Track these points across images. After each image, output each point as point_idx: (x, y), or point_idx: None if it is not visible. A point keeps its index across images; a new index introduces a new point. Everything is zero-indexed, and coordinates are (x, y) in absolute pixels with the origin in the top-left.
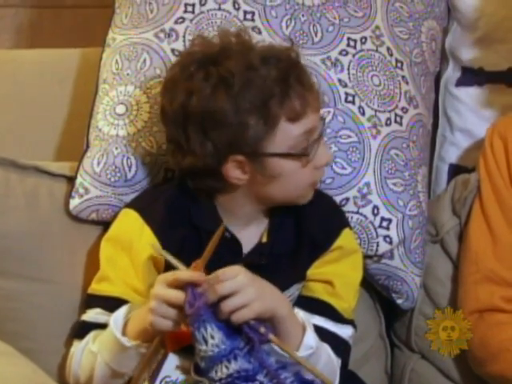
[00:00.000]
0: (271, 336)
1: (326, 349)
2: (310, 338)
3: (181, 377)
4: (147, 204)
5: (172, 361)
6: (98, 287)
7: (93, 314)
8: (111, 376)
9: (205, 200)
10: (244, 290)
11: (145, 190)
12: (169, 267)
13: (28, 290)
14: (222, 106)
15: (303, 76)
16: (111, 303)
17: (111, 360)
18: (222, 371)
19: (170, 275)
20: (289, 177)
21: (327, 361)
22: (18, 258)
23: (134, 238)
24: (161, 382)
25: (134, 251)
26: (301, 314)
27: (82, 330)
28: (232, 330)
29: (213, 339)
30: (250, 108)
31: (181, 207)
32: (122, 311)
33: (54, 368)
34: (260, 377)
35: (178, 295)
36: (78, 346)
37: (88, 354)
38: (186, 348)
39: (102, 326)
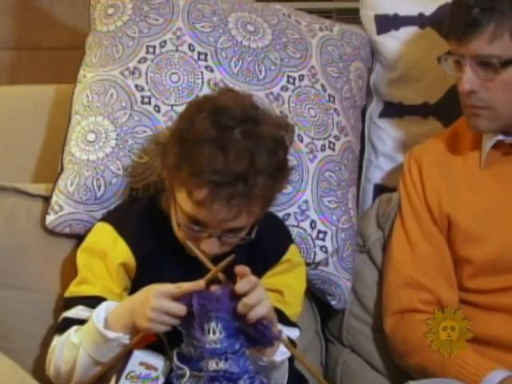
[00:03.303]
0: (283, 336)
1: None
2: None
3: (144, 371)
4: (120, 219)
5: (136, 358)
6: (78, 289)
7: (75, 311)
8: (92, 365)
9: (170, 217)
10: (257, 288)
11: (117, 206)
12: (143, 273)
13: (7, 296)
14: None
15: (246, 187)
16: (92, 301)
17: (93, 351)
18: (211, 365)
19: (171, 288)
20: (173, 218)
21: (286, 362)
22: None
23: (108, 247)
24: (126, 376)
25: (109, 258)
26: None
27: (63, 325)
28: (234, 334)
29: (214, 335)
30: (180, 164)
31: (150, 225)
32: (103, 306)
33: (31, 365)
34: (241, 381)
35: (180, 308)
36: (58, 340)
37: (69, 346)
38: (149, 346)
39: (83, 322)
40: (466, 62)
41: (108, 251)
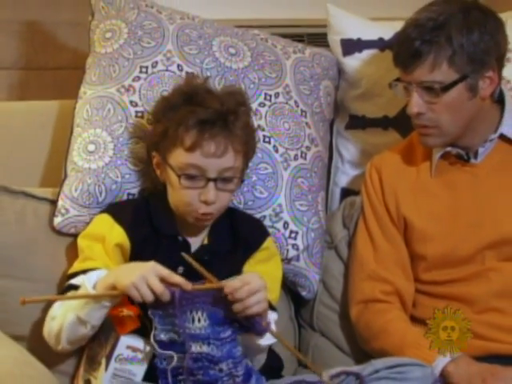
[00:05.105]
0: (272, 328)
1: None
2: (273, 328)
3: (131, 354)
4: (117, 210)
5: (123, 342)
6: (82, 265)
7: (78, 279)
8: (77, 324)
9: (164, 209)
10: (261, 290)
11: (112, 203)
12: (137, 256)
13: (16, 287)
14: (162, 114)
15: (225, 124)
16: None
17: (79, 309)
18: (195, 348)
19: (165, 272)
20: (173, 190)
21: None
22: (8, 262)
23: (105, 232)
24: (115, 358)
25: (107, 241)
26: None
27: (64, 290)
28: (221, 323)
29: (199, 323)
30: (167, 126)
31: (144, 214)
32: (95, 272)
33: (37, 350)
34: (223, 365)
35: (163, 290)
36: (57, 303)
37: (62, 307)
38: (134, 332)
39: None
40: (413, 87)
41: (106, 234)
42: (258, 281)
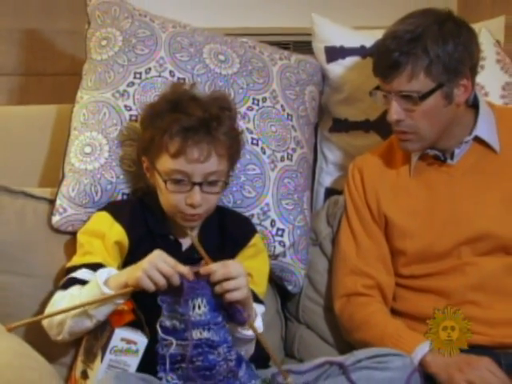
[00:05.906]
0: (251, 321)
1: None
2: (259, 321)
3: (125, 346)
4: (116, 209)
5: (118, 335)
6: (82, 259)
7: (81, 273)
8: (83, 317)
9: (157, 210)
10: (240, 277)
11: (111, 202)
12: (134, 253)
13: (16, 282)
14: (149, 121)
15: (207, 131)
16: (96, 267)
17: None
18: (195, 335)
19: (170, 260)
20: (161, 193)
21: (255, 338)
22: (8, 258)
23: (105, 229)
24: (110, 350)
25: (107, 238)
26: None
27: (67, 283)
28: (216, 309)
29: (199, 309)
30: (153, 133)
31: (140, 214)
32: (106, 269)
33: (36, 340)
34: (220, 349)
35: (173, 273)
36: (60, 295)
37: (69, 298)
38: (128, 324)
39: (86, 283)
40: (392, 96)
41: (106, 232)
42: (236, 267)
